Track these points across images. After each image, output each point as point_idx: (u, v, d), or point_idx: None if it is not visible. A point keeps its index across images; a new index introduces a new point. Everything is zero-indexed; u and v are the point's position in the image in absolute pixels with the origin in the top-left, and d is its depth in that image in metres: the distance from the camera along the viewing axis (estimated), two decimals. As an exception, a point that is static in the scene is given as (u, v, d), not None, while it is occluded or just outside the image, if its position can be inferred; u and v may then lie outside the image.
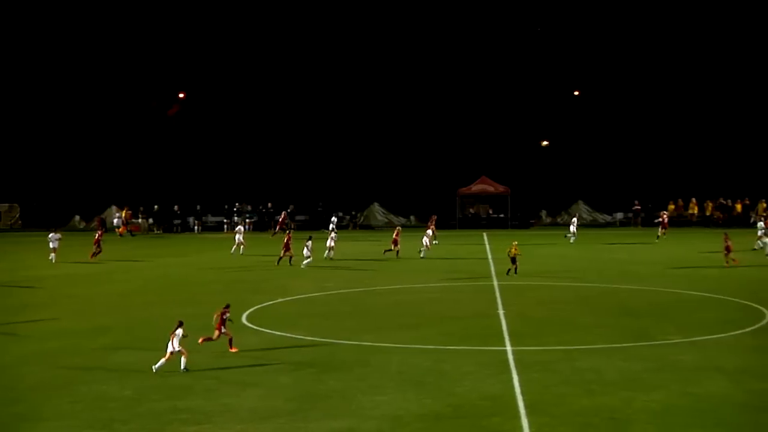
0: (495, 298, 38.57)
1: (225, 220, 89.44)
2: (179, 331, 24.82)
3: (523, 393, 22.46)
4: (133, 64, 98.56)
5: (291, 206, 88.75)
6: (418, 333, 30.77)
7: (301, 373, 24.86)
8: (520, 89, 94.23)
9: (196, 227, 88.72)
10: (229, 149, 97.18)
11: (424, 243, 56.05)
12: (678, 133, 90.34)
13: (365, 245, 64.53)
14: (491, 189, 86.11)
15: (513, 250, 45.91)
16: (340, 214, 78.46)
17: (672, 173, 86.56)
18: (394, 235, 56.35)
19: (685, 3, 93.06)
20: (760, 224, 56.91)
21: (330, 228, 72.76)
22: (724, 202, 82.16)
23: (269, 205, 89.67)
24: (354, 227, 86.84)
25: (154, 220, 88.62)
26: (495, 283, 43.79)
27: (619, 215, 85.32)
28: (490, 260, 53.74)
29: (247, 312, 35.23)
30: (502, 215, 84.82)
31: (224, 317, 27.12)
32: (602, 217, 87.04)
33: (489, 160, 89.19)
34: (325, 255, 54.46)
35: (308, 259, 51.35)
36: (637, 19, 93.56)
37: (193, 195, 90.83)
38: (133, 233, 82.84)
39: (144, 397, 22.49)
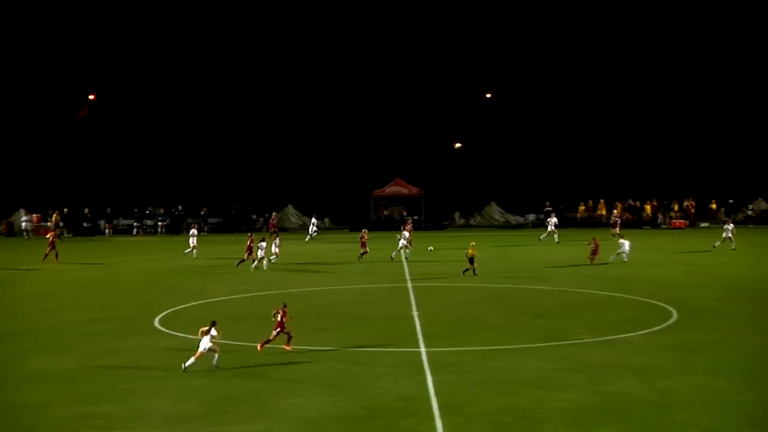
0: (409, 300, 38.72)
1: (135, 224, 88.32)
2: (213, 331, 25.26)
3: (437, 394, 22.60)
4: (42, 66, 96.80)
5: (204, 209, 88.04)
6: (333, 335, 30.76)
7: (215, 377, 24.69)
8: (433, 92, 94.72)
9: (106, 230, 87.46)
10: (140, 151, 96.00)
11: (401, 244, 55.47)
12: (588, 136, 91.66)
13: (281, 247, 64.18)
14: (405, 191, 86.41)
15: (470, 250, 46.23)
16: (314, 218, 77.55)
17: (582, 175, 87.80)
18: (361, 238, 55.06)
19: (592, 5, 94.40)
20: (728, 227, 57.32)
21: (311, 230, 71.91)
22: (633, 204, 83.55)
23: (180, 207, 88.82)
24: (268, 229, 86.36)
25: (64, 223, 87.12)
26: (409, 285, 43.95)
27: (531, 216, 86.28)
28: (404, 262, 53.92)
29: (160, 316, 34.88)
30: (416, 217, 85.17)
31: (283, 317, 27.26)
32: (514, 219, 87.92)
33: (403, 163, 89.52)
34: (272, 259, 53.47)
35: (274, 257, 51.75)
36: (546, 21, 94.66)
37: (103, 198, 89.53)
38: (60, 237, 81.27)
39: (53, 403, 22.13)
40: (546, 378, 24.25)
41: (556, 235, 64.58)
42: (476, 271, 45.81)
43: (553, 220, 66.48)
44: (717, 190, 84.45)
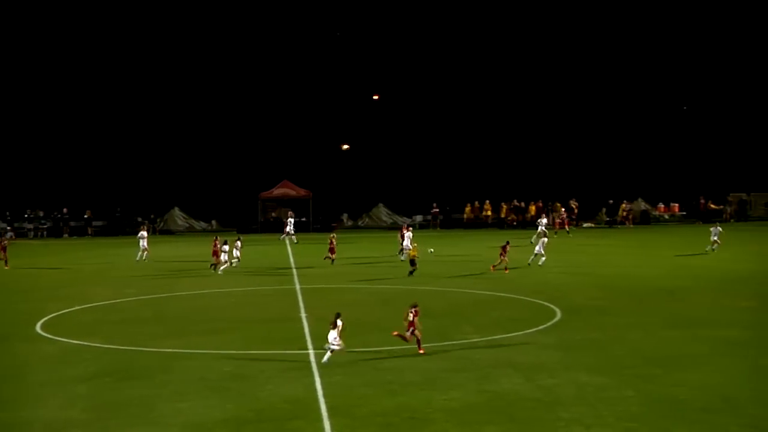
0: (297, 302, 38.67)
1: (8, 228, 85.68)
2: (339, 323, 26.06)
3: (325, 395, 22.62)
4: None
5: (88, 212, 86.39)
6: (221, 338, 30.54)
7: (99, 382, 24.29)
8: (320, 93, 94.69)
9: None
10: (18, 153, 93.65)
11: (405, 246, 54.67)
12: (473, 137, 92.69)
13: (167, 249, 63.54)
14: (293, 192, 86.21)
15: (413, 251, 46.23)
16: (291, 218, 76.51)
17: (468, 176, 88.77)
18: (330, 242, 53.38)
19: (479, 7, 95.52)
20: (715, 229, 55.91)
21: (287, 230, 71.00)
22: (518, 204, 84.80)
23: (65, 210, 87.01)
24: (154, 232, 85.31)
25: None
26: (297, 286, 43.89)
27: (419, 218, 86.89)
28: (293, 264, 53.79)
29: (42, 321, 34.15)
30: (303, 219, 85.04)
31: (414, 317, 27.13)
32: (402, 220, 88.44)
33: (290, 164, 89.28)
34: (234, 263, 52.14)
35: (236, 260, 50.94)
36: (429, 21, 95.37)
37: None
38: None
39: (-69, 413, 21.52)
40: (433, 378, 24.46)
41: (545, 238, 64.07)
42: (414, 273, 45.83)
43: (544, 220, 66.43)
44: (599, 190, 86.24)
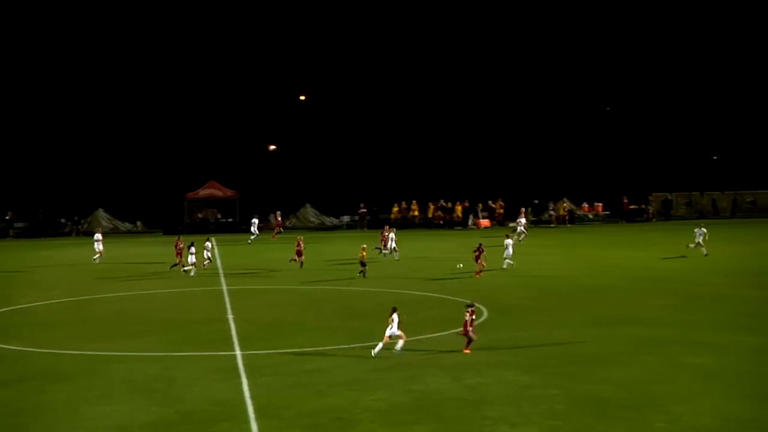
0: (224, 303, 38.50)
1: None
2: (395, 316, 26.95)
3: (252, 397, 22.57)
4: None
5: (9, 213, 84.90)
6: (146, 340, 30.31)
7: (23, 386, 23.97)
8: (246, 93, 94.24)
9: None
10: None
11: (390, 247, 54.35)
12: (400, 137, 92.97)
13: (91, 251, 62.63)
14: (219, 193, 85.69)
15: (362, 253, 45.97)
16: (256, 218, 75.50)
17: (395, 177, 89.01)
18: (297, 246, 51.43)
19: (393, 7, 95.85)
20: (699, 230, 53.35)
21: (252, 230, 70.42)
22: (445, 204, 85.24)
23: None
24: (77, 234, 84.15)
25: None
26: (224, 288, 43.68)
27: (346, 218, 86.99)
28: (219, 265, 53.51)
29: (-37, 324, 33.58)
30: (230, 219, 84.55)
31: (471, 317, 27.38)
32: (329, 220, 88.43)
33: (217, 165, 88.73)
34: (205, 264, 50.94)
35: (207, 261, 50.18)
36: (357, 23, 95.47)
37: None
38: None
39: None
40: (360, 378, 24.54)
41: (523, 236, 63.57)
42: (366, 274, 45.67)
43: (522, 220, 66.01)
44: (524, 190, 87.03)
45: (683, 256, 52.95)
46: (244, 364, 26.22)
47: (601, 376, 24.57)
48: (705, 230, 53.24)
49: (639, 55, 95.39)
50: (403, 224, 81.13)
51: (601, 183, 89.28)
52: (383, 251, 54.81)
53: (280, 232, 71.11)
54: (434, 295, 40.13)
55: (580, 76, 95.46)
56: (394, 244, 54.21)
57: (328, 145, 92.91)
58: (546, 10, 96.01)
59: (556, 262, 52.91)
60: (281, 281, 46.03)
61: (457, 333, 28.22)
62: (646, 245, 59.22)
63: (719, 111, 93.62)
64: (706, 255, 51.21)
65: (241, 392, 23.14)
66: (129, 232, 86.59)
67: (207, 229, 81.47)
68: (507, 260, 47.85)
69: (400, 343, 27.00)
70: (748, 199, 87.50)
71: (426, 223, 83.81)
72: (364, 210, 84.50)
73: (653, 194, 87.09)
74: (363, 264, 46.07)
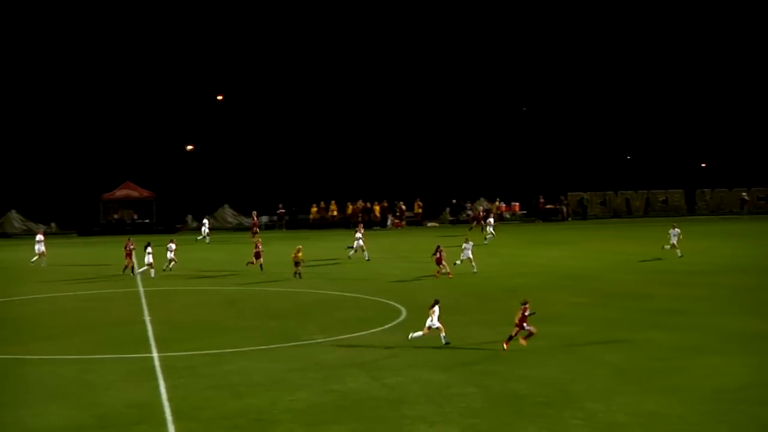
0: (141, 305, 38.11)
1: None
2: (436, 308, 27.91)
3: (170, 399, 22.39)
4: None
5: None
6: (62, 343, 29.87)
7: (-67, 392, 23.48)
8: (162, 93, 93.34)
9: None
10: None
11: (357, 246, 53.68)
12: (317, 138, 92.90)
13: (4, 253, 61.71)
14: (136, 194, 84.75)
15: (297, 254, 45.39)
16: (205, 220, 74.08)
17: (314, 177, 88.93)
18: (256, 248, 50.07)
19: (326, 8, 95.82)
20: (673, 231, 51.69)
21: (203, 230, 69.76)
22: (364, 204, 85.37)
23: None
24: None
25: None
26: (141, 289, 43.23)
27: (264, 218, 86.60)
28: (135, 266, 52.87)
29: None
30: (147, 220, 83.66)
31: (525, 313, 27.43)
32: (247, 221, 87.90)
33: (133, 165, 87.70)
34: (165, 266, 49.73)
35: (173, 263, 49.24)
36: (275, 23, 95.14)
37: None
38: None
39: None
40: (279, 379, 24.48)
41: (490, 236, 62.98)
42: (301, 275, 45.13)
43: (490, 220, 65.44)
44: (443, 190, 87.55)
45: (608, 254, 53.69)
46: (161, 366, 25.98)
47: (518, 374, 24.84)
48: (679, 231, 51.67)
49: (553, 56, 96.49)
50: (321, 224, 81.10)
51: (518, 183, 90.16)
52: (351, 252, 54.62)
53: (256, 232, 70.55)
54: (351, 294, 40.15)
55: (498, 77, 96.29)
56: (361, 243, 53.81)
57: (245, 145, 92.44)
58: (458, 10, 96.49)
59: (474, 261, 53.20)
60: (199, 282, 45.66)
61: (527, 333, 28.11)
62: (561, 244, 59.91)
63: (632, 112, 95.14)
64: (681, 256, 50.25)
65: (159, 394, 22.93)
66: (45, 234, 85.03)
67: (123, 230, 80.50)
68: (470, 262, 47.09)
69: (442, 335, 28.16)
70: (660, 198, 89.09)
71: (345, 223, 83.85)
72: (283, 210, 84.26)
73: (570, 194, 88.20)
74: (297, 264, 45.48)
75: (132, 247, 48.91)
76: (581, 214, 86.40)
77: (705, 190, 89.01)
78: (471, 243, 48.08)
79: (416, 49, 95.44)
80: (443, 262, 45.49)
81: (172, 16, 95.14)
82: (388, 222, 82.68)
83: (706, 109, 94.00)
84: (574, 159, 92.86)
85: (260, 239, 52.90)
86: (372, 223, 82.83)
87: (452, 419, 20.79)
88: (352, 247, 54.49)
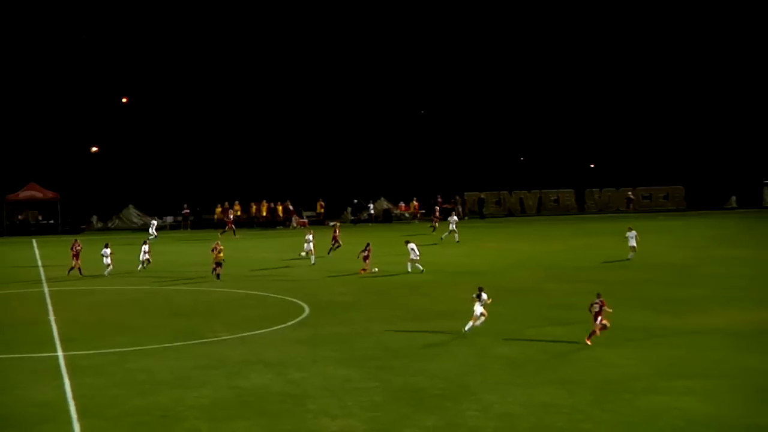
0: (46, 305, 37.40)
1: None
2: (484, 296, 28.44)
3: (75, 398, 22.05)
4: None
5: None
6: (-35, 344, 29.16)
7: None
8: (67, 95, 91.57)
9: None
10: None
11: (307, 248, 50.75)
12: (222, 139, 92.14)
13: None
14: (40, 195, 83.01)
15: (219, 254, 44.43)
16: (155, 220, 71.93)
17: (218, 177, 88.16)
18: (214, 249, 46.11)
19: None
20: (630, 234, 49.61)
21: (150, 231, 68.18)
22: (269, 204, 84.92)
23: None
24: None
25: None
26: (45, 289, 42.39)
27: (170, 219, 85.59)
28: (40, 267, 51.88)
29: None
30: (52, 221, 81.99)
31: (600, 308, 27.56)
32: (152, 221, 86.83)
33: (37, 167, 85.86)
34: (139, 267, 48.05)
35: (147, 263, 47.57)
36: (176, 24, 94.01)
37: None
38: None
39: None
40: (184, 376, 24.29)
41: (456, 235, 61.89)
42: (220, 276, 43.85)
43: (454, 218, 64.22)
44: (344, 190, 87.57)
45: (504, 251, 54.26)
46: (66, 365, 25.56)
47: (417, 367, 25.03)
48: (635, 233, 49.75)
49: (449, 58, 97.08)
50: (225, 224, 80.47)
51: (417, 183, 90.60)
52: (302, 254, 51.58)
53: (232, 229, 69.55)
54: (255, 293, 39.98)
55: (396, 79, 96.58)
56: (311, 246, 50.69)
57: (150, 147, 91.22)
58: (352, 11, 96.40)
59: (376, 259, 53.23)
60: (109, 282, 44.94)
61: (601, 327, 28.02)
62: (460, 242, 60.39)
63: (525, 116, 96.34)
64: (629, 258, 48.86)
65: (64, 393, 22.57)
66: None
67: (28, 230, 78.88)
68: (416, 263, 46.16)
69: (482, 320, 28.79)
70: (552, 198, 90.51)
71: (249, 223, 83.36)
72: (188, 210, 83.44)
73: (466, 193, 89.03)
74: (219, 264, 44.55)
75: (79, 248, 47.08)
76: (478, 213, 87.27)
77: (594, 189, 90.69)
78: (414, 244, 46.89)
79: (315, 49, 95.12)
80: (368, 261, 45.65)
81: (77, 16, 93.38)
82: (293, 222, 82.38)
83: (594, 113, 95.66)
84: (470, 160, 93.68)
85: (219, 243, 47.22)
86: (276, 223, 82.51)
87: (354, 413, 20.88)
88: (307, 253, 51.57)
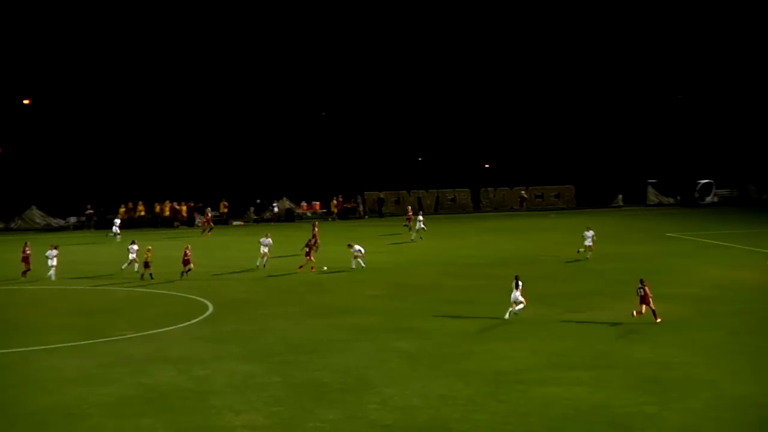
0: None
1: None
2: (520, 283, 30.66)
3: (-22, 397, 21.56)
4: None
5: None
6: None
7: None
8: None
9: None
10: None
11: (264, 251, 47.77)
12: (125, 139, 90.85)
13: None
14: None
15: (147, 255, 43.28)
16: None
17: (122, 177, 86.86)
18: (185, 254, 44.70)
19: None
20: (588, 233, 48.28)
21: (113, 229, 66.14)
22: (172, 204, 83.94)
23: None
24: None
25: None
26: (-53, 290, 41.24)
27: (73, 219, 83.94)
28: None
29: None
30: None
31: (645, 292, 29.68)
32: (56, 222, 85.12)
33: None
34: (124, 266, 45.83)
35: (132, 263, 45.28)
36: (79, 23, 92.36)
37: None
38: None
39: None
40: (89, 374, 23.93)
41: (415, 234, 60.48)
42: (153, 276, 42.93)
43: (419, 217, 62.81)
44: (247, 190, 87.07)
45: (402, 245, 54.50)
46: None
47: (319, 363, 25.08)
48: (593, 232, 48.63)
49: (349, 59, 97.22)
50: (130, 224, 79.31)
51: (318, 183, 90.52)
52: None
53: (211, 228, 68.73)
54: (159, 291, 39.53)
55: (297, 81, 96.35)
56: (266, 249, 47.75)
57: (53, 147, 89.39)
58: (253, 11, 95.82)
59: (276, 257, 53.00)
60: (11, 283, 43.89)
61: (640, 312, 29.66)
62: (359, 241, 60.50)
63: (423, 117, 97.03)
64: (588, 258, 47.84)
65: (-34, 393, 22.03)
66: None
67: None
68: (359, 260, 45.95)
69: (520, 306, 30.52)
70: (449, 197, 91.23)
71: (153, 223, 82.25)
72: (92, 210, 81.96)
73: (366, 193, 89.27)
74: (146, 265, 43.63)
75: (29, 252, 45.20)
76: (377, 212, 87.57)
77: (489, 188, 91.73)
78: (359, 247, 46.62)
79: (216, 47, 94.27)
80: (311, 256, 45.21)
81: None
82: (197, 221, 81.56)
83: (490, 115, 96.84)
84: (370, 160, 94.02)
85: (189, 246, 45.45)
86: (182, 222, 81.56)
87: (257, 408, 20.84)
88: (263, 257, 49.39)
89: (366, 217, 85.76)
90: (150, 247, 44.68)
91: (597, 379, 23.04)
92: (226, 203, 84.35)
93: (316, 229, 53.29)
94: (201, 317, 32.65)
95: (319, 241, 51.47)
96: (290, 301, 36.23)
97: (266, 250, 47.43)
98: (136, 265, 45.10)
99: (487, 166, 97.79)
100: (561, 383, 22.60)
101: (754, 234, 57.74)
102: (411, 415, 20.27)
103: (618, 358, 25.39)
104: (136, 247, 46.18)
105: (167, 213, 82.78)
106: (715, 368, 24.16)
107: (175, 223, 74.42)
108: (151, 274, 43.04)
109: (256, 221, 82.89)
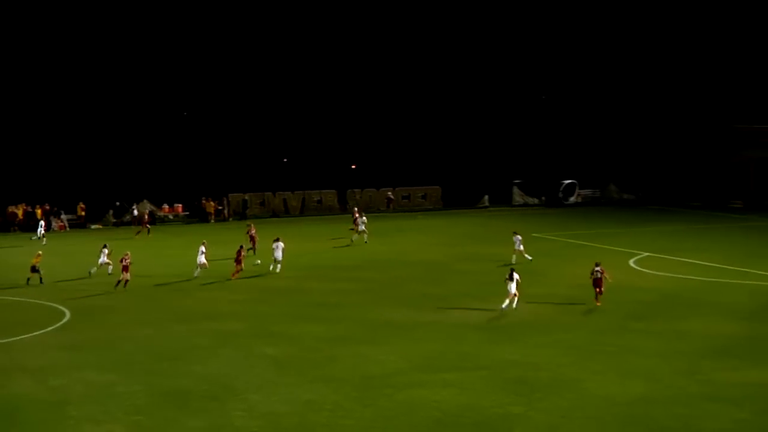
0: None
1: None
2: (516, 276, 32.34)
3: None
4: None
5: None
6: None
7: None
8: None
9: None
10: None
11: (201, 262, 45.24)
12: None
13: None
14: None
15: (35, 259, 41.44)
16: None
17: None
18: (122, 261, 42.26)
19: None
20: (516, 238, 47.99)
21: (38, 231, 64.25)
22: (26, 208, 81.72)
23: None
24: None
25: None
26: None
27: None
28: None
29: None
30: None
31: (600, 275, 33.17)
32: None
33: None
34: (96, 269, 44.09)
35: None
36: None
37: None
38: None
39: None
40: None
41: (365, 235, 58.42)
42: (42, 280, 41.39)
43: (363, 219, 60.47)
44: (106, 192, 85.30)
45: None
46: None
47: (182, 370, 24.80)
48: (520, 237, 48.68)
49: (212, 59, 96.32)
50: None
51: (181, 185, 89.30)
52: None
53: (149, 231, 67.39)
54: (11, 298, 38.30)
55: (158, 81, 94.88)
56: (204, 259, 45.24)
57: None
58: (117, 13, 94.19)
59: (138, 261, 51.90)
60: None
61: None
62: (222, 244, 60.01)
63: (288, 116, 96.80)
64: (530, 259, 47.17)
65: None
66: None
67: None
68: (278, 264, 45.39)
69: (515, 301, 32.44)
70: (315, 198, 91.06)
71: (5, 226, 79.86)
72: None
73: (231, 195, 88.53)
74: (34, 269, 42.08)
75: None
76: (241, 214, 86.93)
77: (355, 189, 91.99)
78: (282, 244, 46.23)
79: (72, 50, 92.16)
80: (241, 263, 44.22)
81: None
82: (53, 225, 79.51)
83: (356, 115, 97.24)
84: (234, 161, 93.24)
85: (129, 253, 43.40)
86: (34, 227, 79.37)
87: (117, 418, 20.51)
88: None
89: (230, 219, 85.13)
90: (40, 252, 43.90)
91: (464, 380, 23.44)
92: (83, 206, 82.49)
93: (254, 231, 52.97)
94: (57, 324, 31.86)
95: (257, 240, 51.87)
96: (153, 308, 35.66)
97: (204, 259, 45.26)
98: (110, 267, 44.15)
99: (353, 167, 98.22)
100: (428, 386, 22.90)
101: (615, 234, 59.70)
102: (276, 422, 20.26)
103: (486, 359, 25.88)
104: (107, 251, 45.41)
105: (20, 216, 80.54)
106: (580, 368, 24.88)
107: (13, 228, 71.74)
108: (40, 278, 41.80)
109: (115, 224, 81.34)
